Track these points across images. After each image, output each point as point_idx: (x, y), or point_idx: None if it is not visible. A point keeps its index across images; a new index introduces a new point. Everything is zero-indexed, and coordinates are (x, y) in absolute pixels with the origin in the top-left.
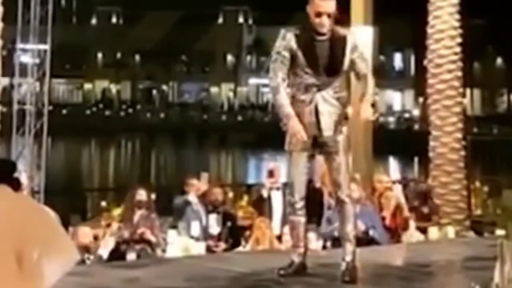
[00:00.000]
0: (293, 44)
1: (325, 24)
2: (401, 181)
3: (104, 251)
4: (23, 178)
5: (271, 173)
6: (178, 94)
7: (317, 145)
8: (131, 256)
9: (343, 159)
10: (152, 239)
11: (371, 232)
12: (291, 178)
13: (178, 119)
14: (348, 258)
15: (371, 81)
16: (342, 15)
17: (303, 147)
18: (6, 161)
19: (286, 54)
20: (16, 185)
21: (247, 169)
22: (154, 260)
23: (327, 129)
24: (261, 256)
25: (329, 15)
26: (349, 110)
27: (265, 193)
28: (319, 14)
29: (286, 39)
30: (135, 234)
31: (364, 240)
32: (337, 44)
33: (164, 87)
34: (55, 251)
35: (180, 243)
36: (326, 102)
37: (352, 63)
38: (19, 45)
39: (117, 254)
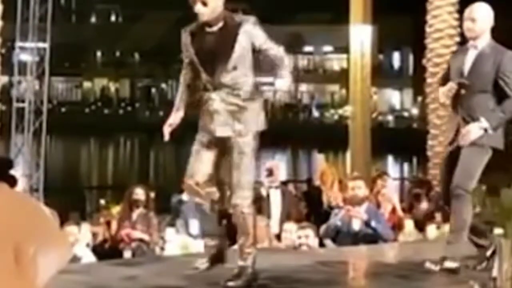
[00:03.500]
0: (188, 42)
1: (201, 12)
2: (399, 179)
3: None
4: (19, 176)
5: (270, 172)
6: (177, 93)
7: (217, 143)
8: (127, 254)
9: (240, 160)
10: (145, 237)
11: (373, 224)
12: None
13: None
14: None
15: (284, 71)
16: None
17: (204, 143)
18: (2, 158)
19: (186, 54)
20: (12, 182)
21: None
22: (152, 258)
23: (220, 129)
24: (259, 254)
25: (204, 3)
26: (349, 109)
27: (263, 192)
28: (193, 2)
29: (183, 38)
30: (119, 235)
31: (365, 232)
32: (227, 34)
33: (163, 85)
34: (50, 247)
35: (179, 241)
36: (223, 101)
37: (259, 51)
38: (18, 43)
39: (113, 252)
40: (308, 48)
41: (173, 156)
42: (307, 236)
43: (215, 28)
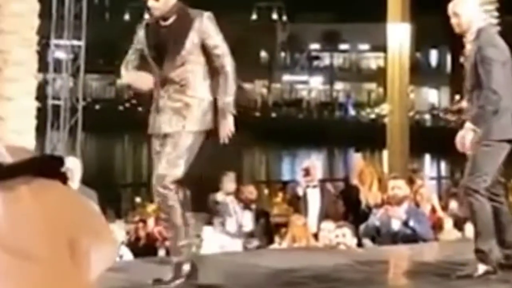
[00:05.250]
0: (142, 34)
1: (154, 7)
2: (436, 178)
3: None
4: (70, 172)
5: (306, 172)
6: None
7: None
8: (161, 252)
9: (171, 153)
10: None
11: (412, 223)
12: None
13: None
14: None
15: (229, 81)
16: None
17: (154, 136)
18: (55, 156)
19: (138, 47)
20: (64, 179)
21: (281, 166)
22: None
23: (164, 126)
24: (297, 253)
25: None
26: (386, 107)
27: (300, 192)
28: None
29: (137, 30)
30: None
31: (404, 232)
32: (179, 29)
33: None
34: (101, 244)
35: (216, 240)
36: (170, 99)
37: (207, 51)
38: (53, 41)
39: (148, 250)
40: (344, 46)
41: (208, 154)
42: (345, 235)
43: (168, 22)
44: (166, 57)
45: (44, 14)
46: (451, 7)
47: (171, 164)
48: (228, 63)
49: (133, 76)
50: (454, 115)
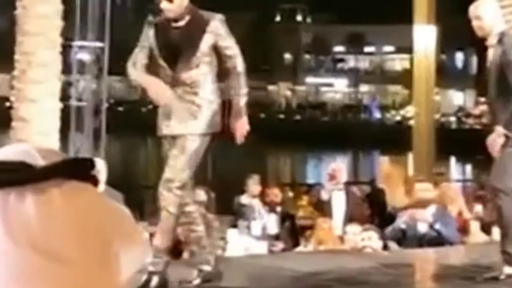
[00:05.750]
0: (151, 34)
1: (167, 8)
2: (462, 181)
3: None
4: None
5: (332, 176)
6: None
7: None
8: (185, 255)
9: (178, 157)
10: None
11: (438, 226)
12: None
13: None
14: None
15: (242, 82)
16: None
17: (163, 138)
18: (86, 159)
19: (145, 44)
20: (95, 182)
21: (305, 168)
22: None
23: (175, 127)
24: (323, 256)
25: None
26: (412, 109)
27: (325, 196)
28: None
29: (145, 29)
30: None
31: (431, 235)
32: (193, 31)
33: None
34: (132, 246)
35: (241, 243)
36: (180, 99)
37: (220, 53)
38: (77, 43)
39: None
40: (369, 48)
41: (232, 156)
42: (370, 238)
43: (180, 23)
44: (179, 58)
45: (68, 15)
46: (472, 10)
47: (178, 168)
48: (239, 64)
49: (150, 82)
50: (475, 118)
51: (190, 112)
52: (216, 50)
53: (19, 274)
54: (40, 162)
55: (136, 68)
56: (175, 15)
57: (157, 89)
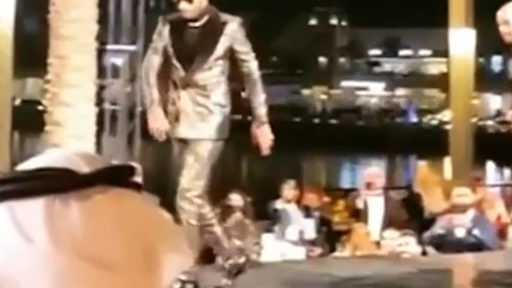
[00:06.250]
0: (166, 32)
1: (186, 9)
2: (500, 185)
3: None
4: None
5: (369, 184)
6: (268, 97)
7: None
8: (219, 260)
9: (194, 163)
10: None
11: (476, 231)
12: None
13: (269, 122)
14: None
15: (259, 89)
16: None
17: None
18: (129, 165)
19: (159, 45)
20: (137, 187)
21: (341, 173)
22: (250, 264)
23: (185, 131)
24: (360, 261)
25: (189, 0)
26: (449, 113)
27: (360, 205)
28: None
29: (159, 27)
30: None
31: (469, 240)
32: (210, 32)
33: None
34: (177, 252)
35: (277, 248)
36: (191, 101)
37: (235, 57)
38: (111, 46)
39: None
40: (405, 52)
41: (267, 160)
42: (408, 244)
43: (198, 23)
44: (193, 59)
45: (101, 19)
46: (500, 15)
47: (193, 176)
48: (255, 70)
49: (154, 113)
50: (508, 124)
51: (203, 116)
52: (231, 54)
53: (64, 280)
54: (84, 168)
55: (149, 82)
56: (193, 15)
57: (157, 124)
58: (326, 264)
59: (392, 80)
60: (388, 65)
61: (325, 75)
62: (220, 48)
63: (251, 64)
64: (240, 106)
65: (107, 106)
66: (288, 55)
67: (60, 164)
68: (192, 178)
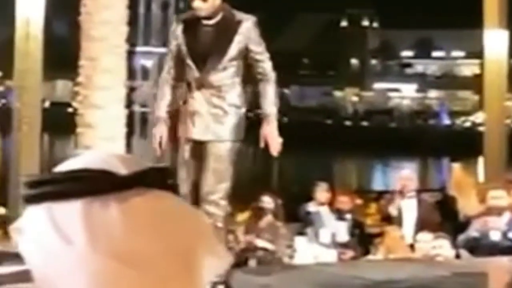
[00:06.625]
0: (179, 31)
1: (200, 7)
2: None
3: None
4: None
5: (403, 187)
6: (300, 98)
7: (195, 147)
8: (252, 263)
9: (217, 166)
10: (269, 246)
11: (511, 234)
12: None
13: (300, 123)
14: None
15: (271, 89)
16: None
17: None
18: (167, 167)
19: (173, 47)
20: (176, 190)
21: (373, 175)
22: (283, 266)
23: (200, 133)
24: (394, 264)
25: None
26: (482, 115)
27: (394, 212)
28: None
29: (173, 27)
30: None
31: (504, 243)
32: (224, 31)
33: (286, 90)
34: (214, 254)
35: (310, 250)
36: (206, 102)
37: (249, 57)
38: (140, 48)
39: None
40: (437, 53)
41: (298, 163)
42: (442, 247)
43: (211, 21)
44: (207, 58)
45: (131, 21)
46: None
47: (217, 179)
48: (271, 70)
49: (160, 131)
50: None
51: (218, 117)
52: (246, 53)
53: (101, 281)
54: (121, 170)
55: (160, 94)
56: (207, 14)
57: (159, 141)
58: (358, 267)
59: (425, 81)
60: (420, 66)
61: (357, 76)
62: (235, 48)
63: (266, 64)
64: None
65: (137, 108)
66: (320, 57)
67: (97, 166)
68: (215, 181)
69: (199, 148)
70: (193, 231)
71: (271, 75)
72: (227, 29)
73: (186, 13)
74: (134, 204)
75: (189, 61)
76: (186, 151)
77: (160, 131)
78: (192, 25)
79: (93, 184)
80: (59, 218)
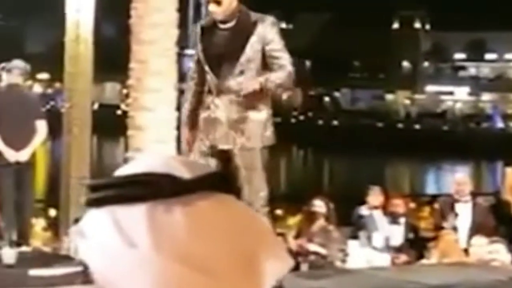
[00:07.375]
0: (198, 37)
1: (215, 11)
2: None
3: None
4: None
5: (458, 190)
6: (351, 101)
7: (217, 153)
8: (304, 267)
9: (250, 176)
10: (321, 251)
11: None
12: None
13: (351, 127)
14: None
15: (282, 73)
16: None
17: (205, 153)
18: (228, 173)
19: (195, 53)
20: (238, 193)
21: (426, 178)
22: (336, 270)
23: (222, 141)
24: (449, 269)
25: (217, 2)
26: None
27: (450, 205)
28: (207, 1)
29: (194, 32)
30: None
31: None
32: (239, 33)
33: (337, 93)
34: (277, 259)
35: (362, 254)
36: (226, 109)
37: (267, 56)
38: (189, 51)
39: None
40: (491, 56)
41: (349, 166)
42: (498, 251)
43: (228, 25)
44: (223, 63)
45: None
46: None
47: (254, 189)
48: (288, 64)
49: (185, 135)
50: None
51: (238, 125)
52: (263, 54)
53: (165, 284)
54: (185, 174)
55: (187, 102)
56: (223, 17)
57: (185, 144)
58: (412, 271)
59: (478, 84)
60: (473, 69)
61: (408, 79)
62: (250, 49)
63: (283, 60)
64: (323, 112)
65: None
66: (371, 59)
67: (160, 170)
68: (250, 191)
69: (224, 157)
70: (256, 235)
71: (289, 68)
72: (242, 32)
73: (206, 19)
74: (198, 208)
75: (206, 67)
76: (210, 159)
77: (183, 135)
78: (209, 30)
79: (157, 188)
80: (123, 221)
